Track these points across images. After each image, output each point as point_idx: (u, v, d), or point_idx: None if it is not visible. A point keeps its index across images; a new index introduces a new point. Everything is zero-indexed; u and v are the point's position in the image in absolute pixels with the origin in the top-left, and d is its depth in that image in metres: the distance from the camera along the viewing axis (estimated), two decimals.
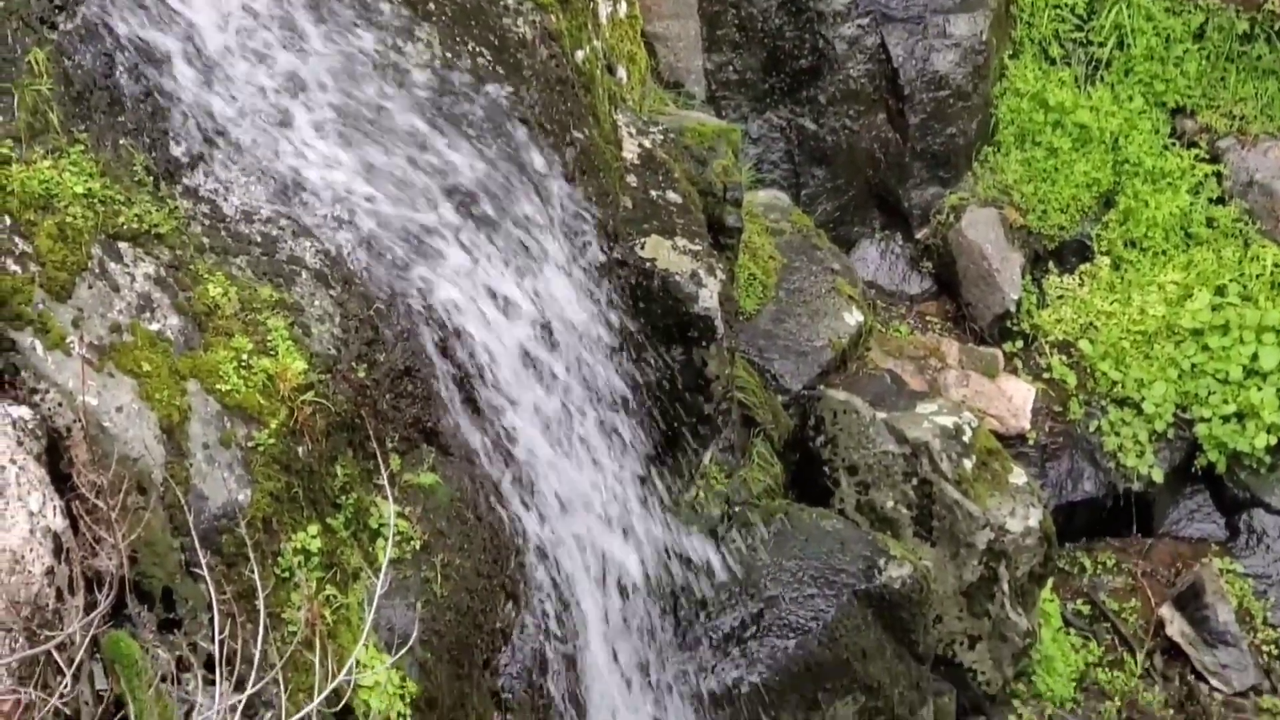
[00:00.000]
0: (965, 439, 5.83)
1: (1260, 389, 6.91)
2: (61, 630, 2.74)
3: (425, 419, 3.63)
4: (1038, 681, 6.29)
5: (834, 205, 7.66)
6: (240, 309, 3.29)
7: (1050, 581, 6.21)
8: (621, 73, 5.22)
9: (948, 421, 5.85)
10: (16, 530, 2.73)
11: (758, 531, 5.25)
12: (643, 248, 4.66)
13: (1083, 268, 7.56)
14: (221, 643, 2.93)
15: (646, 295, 4.63)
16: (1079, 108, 7.64)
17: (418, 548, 3.51)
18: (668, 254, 4.67)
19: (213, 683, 2.90)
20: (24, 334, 2.93)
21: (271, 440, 3.19)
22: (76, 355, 2.96)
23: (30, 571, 2.73)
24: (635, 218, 4.73)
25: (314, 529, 3.27)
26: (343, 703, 3.18)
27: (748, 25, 7.44)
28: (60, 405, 2.92)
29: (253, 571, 3.03)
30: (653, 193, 4.88)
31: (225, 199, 3.46)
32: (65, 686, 2.71)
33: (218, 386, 3.17)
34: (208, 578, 2.96)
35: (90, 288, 3.08)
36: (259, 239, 3.45)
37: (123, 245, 3.19)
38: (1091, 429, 7.02)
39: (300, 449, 3.25)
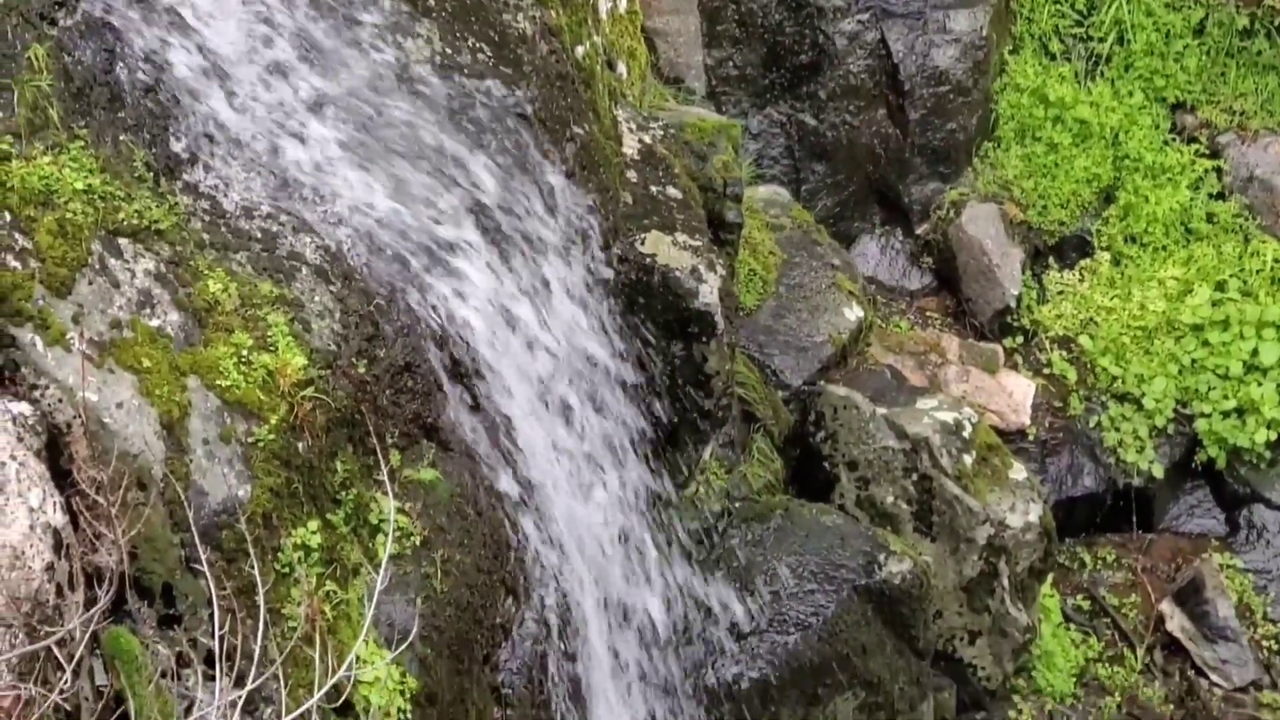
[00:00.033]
0: (965, 434, 5.82)
1: (1260, 384, 6.91)
2: (61, 626, 2.74)
3: (425, 414, 3.63)
4: (1038, 677, 6.29)
5: (834, 201, 7.66)
6: (240, 305, 3.29)
7: (1050, 577, 6.21)
8: (621, 68, 5.21)
9: (948, 417, 5.85)
10: (16, 526, 2.73)
11: (757, 527, 5.25)
12: (643, 243, 4.65)
13: (1083, 263, 7.56)
14: (221, 638, 2.93)
15: (646, 291, 4.62)
16: (1079, 103, 7.63)
17: (418, 543, 3.51)
18: (668, 249, 4.66)
19: (213, 678, 2.90)
20: (24, 330, 2.92)
21: (271, 436, 3.19)
22: (76, 351, 2.96)
23: (30, 567, 2.72)
24: (635, 213, 4.72)
25: (314, 525, 3.26)
26: (343, 698, 3.18)
27: (748, 21, 7.43)
28: (60, 401, 2.91)
29: (253, 567, 3.03)
30: (653, 188, 4.87)
31: (225, 195, 3.46)
32: (65, 682, 2.71)
33: (218, 382, 3.17)
34: (208, 573, 2.96)
35: (90, 284, 3.08)
36: (259, 235, 3.44)
37: (123, 241, 3.19)
38: (1091, 424, 7.02)
39: (300, 445, 3.25)
